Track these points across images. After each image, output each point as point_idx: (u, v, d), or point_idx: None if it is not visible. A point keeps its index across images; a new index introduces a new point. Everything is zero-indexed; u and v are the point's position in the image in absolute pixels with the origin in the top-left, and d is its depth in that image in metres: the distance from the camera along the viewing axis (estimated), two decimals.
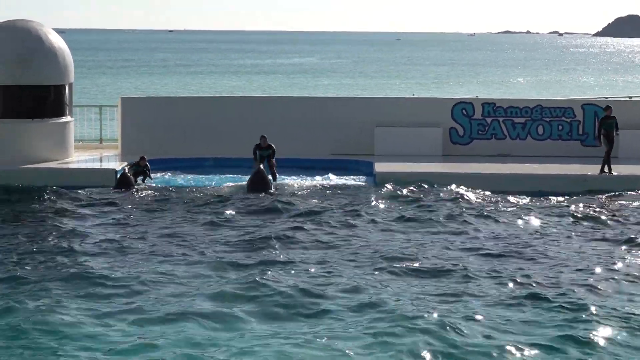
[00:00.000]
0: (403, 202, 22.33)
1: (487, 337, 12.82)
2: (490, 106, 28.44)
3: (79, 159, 26.63)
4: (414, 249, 17.75)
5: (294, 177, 25.27)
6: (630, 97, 36.17)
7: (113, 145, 28.76)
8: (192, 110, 28.43)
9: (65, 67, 26.43)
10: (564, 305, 14.20)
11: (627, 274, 16.23)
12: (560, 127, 28.30)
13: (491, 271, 16.21)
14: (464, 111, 28.39)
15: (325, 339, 12.68)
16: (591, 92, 76.03)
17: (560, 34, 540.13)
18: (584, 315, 13.74)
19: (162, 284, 15.22)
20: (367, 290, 14.95)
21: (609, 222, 20.62)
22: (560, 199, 23.01)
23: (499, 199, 22.89)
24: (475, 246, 18.25)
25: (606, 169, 24.86)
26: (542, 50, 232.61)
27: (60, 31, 29.10)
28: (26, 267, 16.23)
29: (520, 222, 20.43)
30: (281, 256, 17.11)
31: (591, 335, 12.89)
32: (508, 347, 12.41)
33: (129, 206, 21.86)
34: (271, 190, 23.44)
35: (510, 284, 15.39)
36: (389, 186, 23.96)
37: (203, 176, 25.74)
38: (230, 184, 24.55)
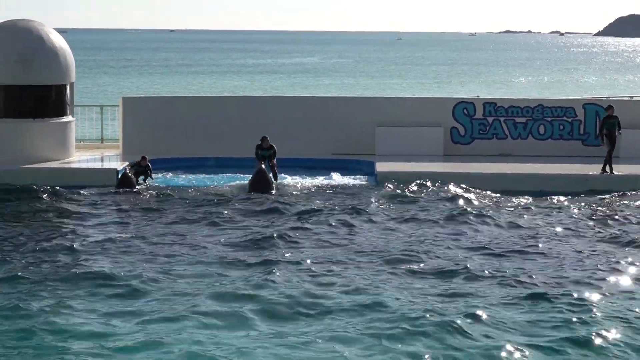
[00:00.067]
0: (404, 202, 22.32)
1: (489, 336, 12.82)
2: (491, 106, 28.44)
3: (80, 158, 26.64)
4: (415, 248, 17.74)
5: (295, 177, 25.27)
6: (632, 97, 36.14)
7: (114, 145, 28.76)
8: (193, 110, 28.44)
9: (67, 66, 26.44)
10: (565, 305, 14.20)
11: (629, 274, 16.23)
12: (561, 127, 28.29)
13: (492, 271, 16.20)
14: (465, 111, 28.39)
15: (328, 339, 12.68)
16: (592, 91, 76.03)
17: (562, 34, 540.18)
18: (585, 316, 13.73)
19: (164, 284, 15.22)
20: (368, 290, 14.95)
21: (610, 222, 20.62)
22: (562, 198, 23.00)
23: (500, 198, 22.89)
24: (476, 246, 18.25)
25: (607, 169, 24.86)
26: (543, 50, 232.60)
27: (61, 31, 29.12)
28: (28, 267, 16.23)
29: (521, 222, 20.42)
30: (282, 256, 17.10)
31: (593, 335, 12.89)
32: (509, 347, 12.40)
33: (130, 206, 21.87)
34: (273, 190, 23.44)
35: (512, 284, 15.39)
36: (390, 186, 23.96)
37: (204, 176, 25.75)
38: (232, 183, 24.57)
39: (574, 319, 13.55)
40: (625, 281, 15.79)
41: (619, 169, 25.12)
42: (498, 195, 23.17)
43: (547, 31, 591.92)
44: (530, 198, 22.97)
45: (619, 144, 25.55)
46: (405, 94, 66.69)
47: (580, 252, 17.81)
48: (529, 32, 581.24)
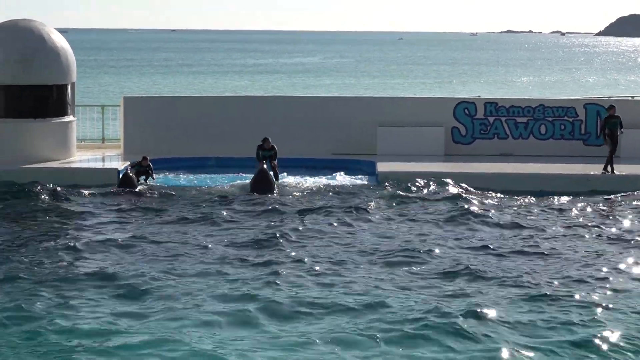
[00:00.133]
0: (405, 202, 22.32)
1: (490, 336, 12.81)
2: (492, 106, 28.44)
3: (81, 158, 26.65)
4: (417, 248, 17.73)
5: (297, 177, 25.26)
6: (633, 97, 36.14)
7: (115, 144, 28.77)
8: (195, 110, 28.44)
9: (68, 66, 26.45)
10: (566, 305, 14.21)
11: (630, 274, 16.22)
12: (562, 127, 28.29)
13: (494, 271, 16.20)
14: (466, 111, 28.38)
15: (330, 339, 12.67)
16: (593, 91, 76.03)
17: (563, 34, 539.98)
18: (587, 316, 13.73)
19: (166, 284, 15.21)
20: (369, 290, 14.96)
21: (611, 222, 20.62)
22: (563, 198, 23.00)
23: (501, 198, 22.88)
24: (478, 246, 18.24)
25: (608, 169, 24.86)
26: (545, 50, 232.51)
27: (62, 31, 29.12)
28: (29, 267, 16.23)
29: (522, 222, 20.41)
30: (284, 256, 17.11)
31: (595, 336, 12.88)
32: (510, 348, 12.40)
33: (132, 206, 21.86)
34: (274, 190, 23.44)
35: (513, 284, 15.39)
36: (391, 186, 23.96)
37: (206, 176, 25.76)
38: (233, 183, 24.57)
39: (576, 320, 13.55)
40: (627, 281, 15.78)
41: (620, 169, 25.12)
42: (499, 195, 23.16)
43: (548, 31, 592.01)
44: (531, 198, 22.96)
45: (620, 144, 25.54)
46: (407, 94, 66.69)
47: (581, 252, 17.80)
48: (530, 32, 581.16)
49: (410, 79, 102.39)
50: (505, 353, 12.25)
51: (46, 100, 26.01)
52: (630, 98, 35.43)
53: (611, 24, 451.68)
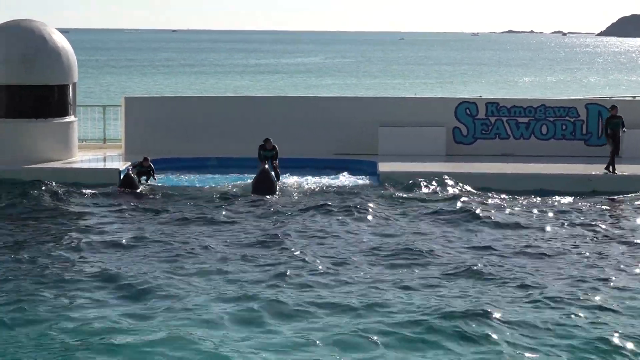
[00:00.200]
0: (406, 202, 22.31)
1: (491, 337, 12.80)
2: (493, 106, 28.43)
3: (82, 158, 26.66)
4: (418, 248, 17.72)
5: (298, 177, 25.25)
6: (634, 97, 36.12)
7: (116, 145, 28.77)
8: (196, 110, 28.45)
9: (69, 66, 26.45)
10: (567, 305, 14.20)
11: (632, 274, 16.22)
12: (564, 127, 28.28)
13: (495, 271, 16.19)
14: (467, 111, 28.38)
15: (332, 339, 12.67)
16: (595, 91, 76.02)
17: (564, 34, 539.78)
18: (588, 316, 13.73)
19: (167, 284, 15.20)
20: (371, 290, 14.96)
21: (612, 222, 20.62)
22: (564, 198, 22.98)
23: (502, 199, 22.87)
24: (479, 246, 18.24)
25: (610, 168, 24.85)
26: (546, 50, 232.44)
27: (63, 31, 29.14)
28: (31, 266, 16.23)
29: (523, 222, 20.40)
30: (286, 256, 17.10)
31: (598, 336, 12.88)
32: (511, 348, 12.39)
33: (133, 206, 21.86)
34: (276, 190, 23.43)
35: (514, 284, 15.38)
36: (392, 186, 23.96)
37: (208, 176, 25.75)
38: (235, 183, 24.56)
39: (577, 320, 13.54)
40: (629, 282, 15.76)
41: (622, 169, 25.10)
42: (500, 195, 23.14)
43: (550, 31, 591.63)
44: (533, 198, 22.95)
45: (622, 144, 25.50)
46: (408, 94, 66.69)
47: (582, 252, 17.79)
48: (532, 32, 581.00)
49: (411, 79, 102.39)
50: (506, 353, 12.24)
51: (47, 100, 26.01)
52: (631, 98, 35.42)
53: (612, 24, 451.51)
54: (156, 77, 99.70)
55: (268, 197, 22.79)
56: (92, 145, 29.06)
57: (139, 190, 23.58)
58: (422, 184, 23.92)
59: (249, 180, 24.02)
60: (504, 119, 28.33)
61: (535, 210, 21.62)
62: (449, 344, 12.57)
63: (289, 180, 24.90)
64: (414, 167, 25.48)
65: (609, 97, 33.38)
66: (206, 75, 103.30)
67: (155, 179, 24.71)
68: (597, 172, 25.00)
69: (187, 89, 79.22)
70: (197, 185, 24.64)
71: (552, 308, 14.09)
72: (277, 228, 19.47)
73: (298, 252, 17.32)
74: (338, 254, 17.36)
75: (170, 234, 19.01)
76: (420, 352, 12.37)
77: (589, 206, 22.18)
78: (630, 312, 14.04)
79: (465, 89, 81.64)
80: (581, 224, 20.27)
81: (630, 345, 12.55)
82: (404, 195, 23.03)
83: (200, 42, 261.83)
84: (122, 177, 24.22)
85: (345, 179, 25.41)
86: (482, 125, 28.33)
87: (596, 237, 19.13)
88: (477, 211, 21.07)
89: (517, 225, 20.04)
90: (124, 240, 18.26)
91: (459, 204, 21.94)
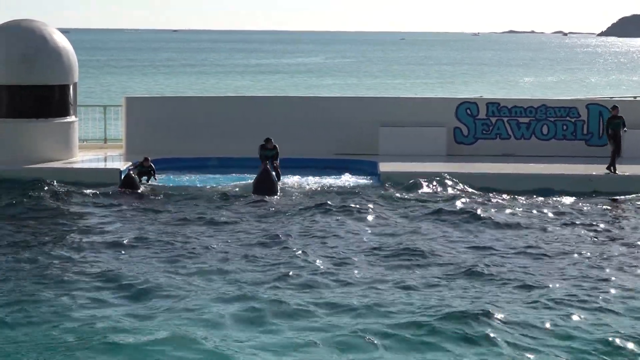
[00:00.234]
0: (407, 202, 22.31)
1: (491, 336, 12.80)
2: (494, 106, 28.43)
3: (83, 158, 26.67)
4: (419, 248, 17.72)
5: (299, 177, 25.25)
6: (635, 97, 36.12)
7: (117, 145, 28.78)
8: (196, 110, 28.46)
9: (70, 66, 26.45)
10: (568, 306, 14.20)
11: (634, 274, 16.21)
12: (564, 127, 28.27)
13: (496, 271, 16.18)
14: (468, 111, 28.37)
15: (333, 339, 12.68)
16: (595, 92, 76.00)
17: (565, 34, 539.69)
18: (589, 317, 13.73)
19: (169, 284, 15.21)
20: (371, 290, 14.96)
21: (613, 222, 20.62)
22: (565, 199, 22.98)
23: (503, 199, 22.86)
24: (480, 246, 18.24)
25: (612, 168, 24.85)
26: (547, 50, 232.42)
27: (64, 31, 29.15)
28: (32, 266, 16.24)
29: (524, 222, 20.40)
30: (287, 256, 17.10)
31: (599, 336, 12.88)
32: (512, 348, 12.39)
33: (134, 206, 21.87)
34: (277, 191, 23.42)
35: (515, 285, 15.38)
36: (392, 186, 23.95)
37: (209, 176, 25.74)
38: (236, 183, 24.56)
39: (578, 321, 13.55)
40: (629, 282, 15.76)
41: (622, 169, 25.10)
42: (501, 195, 23.13)
43: (551, 31, 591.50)
44: (534, 199, 22.95)
45: (623, 143, 25.48)
46: (409, 94, 66.68)
47: (583, 253, 17.79)
48: (532, 32, 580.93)
49: (412, 79, 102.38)
50: (506, 354, 12.24)
51: (48, 100, 26.01)
52: (632, 98, 35.42)
53: (613, 25, 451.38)
54: (157, 77, 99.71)
55: (269, 197, 22.79)
56: (92, 145, 29.07)
57: (139, 191, 23.57)
58: (422, 184, 23.92)
59: (250, 181, 24.02)
60: (505, 119, 28.33)
61: (536, 211, 21.61)
62: (449, 344, 12.57)
63: (290, 180, 24.89)
64: (414, 167, 25.48)
65: (610, 98, 33.38)
66: (207, 75, 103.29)
67: (156, 179, 24.71)
68: (598, 172, 24.98)
69: (188, 89, 79.19)
70: (197, 185, 24.63)
71: (553, 308, 14.08)
72: (277, 228, 19.48)
73: (299, 252, 17.32)
74: (338, 254, 17.36)
75: (171, 234, 19.01)
76: (421, 351, 12.37)
77: (590, 206, 22.18)
78: (631, 312, 14.04)
79: (466, 89, 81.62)
80: (582, 224, 20.27)
81: (630, 346, 12.55)
82: (405, 195, 23.02)
83: (200, 42, 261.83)
84: (123, 177, 24.21)
85: (345, 179, 25.42)
86: (483, 125, 28.33)
87: (597, 238, 19.13)
88: (478, 211, 21.07)
89: (517, 226, 20.04)
90: (124, 240, 18.26)
91: (459, 204, 21.94)
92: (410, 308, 13.98)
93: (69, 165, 25.62)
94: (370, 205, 21.61)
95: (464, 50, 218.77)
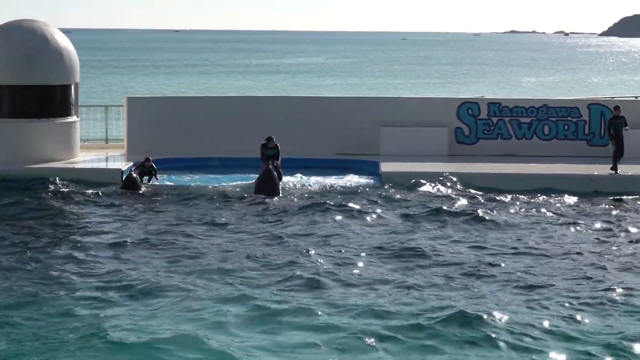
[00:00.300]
0: (409, 202, 22.31)
1: (492, 337, 12.81)
2: (496, 106, 28.43)
3: (84, 158, 26.67)
4: (420, 248, 17.73)
5: (300, 177, 25.25)
6: (637, 97, 36.12)
7: (119, 145, 28.79)
8: (198, 110, 28.46)
9: (71, 66, 26.46)
10: (569, 306, 14.20)
11: (634, 274, 16.21)
12: (566, 127, 28.27)
13: (497, 271, 16.20)
14: (469, 111, 28.37)
15: (334, 339, 12.68)
16: (597, 91, 75.99)
17: (566, 34, 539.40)
18: (590, 317, 13.73)
19: (170, 284, 15.21)
20: (372, 290, 14.97)
21: (614, 222, 20.61)
22: (566, 198, 22.98)
23: (504, 199, 22.86)
24: (481, 246, 18.24)
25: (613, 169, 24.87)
26: (549, 50, 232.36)
27: (65, 31, 29.15)
28: (32, 266, 16.25)
29: (525, 222, 20.41)
30: (289, 256, 17.10)
31: (599, 336, 12.87)
32: (512, 348, 12.39)
33: (135, 206, 21.88)
34: (279, 191, 23.42)
35: (516, 285, 15.39)
36: (394, 186, 23.95)
37: (210, 176, 25.75)
38: (238, 183, 24.56)
39: (579, 321, 13.54)
40: (630, 282, 15.75)
41: (624, 169, 25.10)
42: (502, 195, 23.12)
43: (552, 31, 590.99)
44: (535, 198, 22.94)
45: (625, 143, 25.47)
46: (410, 94, 66.68)
47: (584, 252, 17.79)
48: (534, 32, 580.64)
49: (413, 79, 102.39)
50: (506, 354, 12.24)
51: (50, 100, 26.02)
52: (634, 98, 35.41)
53: (615, 25, 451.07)
54: (158, 77, 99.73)
55: (270, 197, 22.79)
56: (94, 145, 29.08)
57: (141, 192, 23.57)
58: (424, 184, 23.92)
59: (252, 181, 24.03)
60: (506, 119, 28.32)
61: (537, 211, 21.61)
62: (449, 344, 12.58)
63: (292, 180, 24.89)
64: (416, 167, 25.48)
65: (611, 98, 33.37)
66: (208, 75, 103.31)
67: (157, 179, 24.71)
68: (600, 172, 24.98)
69: (190, 89, 79.21)
70: (199, 185, 24.63)
71: (554, 308, 14.09)
72: (279, 228, 19.48)
73: (300, 253, 17.33)
74: (340, 254, 17.36)
75: (172, 234, 19.01)
76: (421, 352, 12.38)
77: (591, 206, 22.18)
78: (632, 312, 14.04)
79: (468, 89, 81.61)
80: (583, 225, 20.26)
81: (631, 346, 12.54)
82: (406, 195, 23.02)
83: (201, 42, 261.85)
84: (124, 178, 24.21)
85: (347, 180, 25.42)
86: (484, 125, 28.32)
87: (598, 238, 19.14)
88: (479, 212, 21.06)
89: (519, 226, 20.04)
90: (126, 240, 18.27)
91: (460, 205, 21.95)
92: (411, 308, 13.99)
93: (70, 165, 25.63)
94: (372, 206, 21.62)
95: (465, 50, 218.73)
